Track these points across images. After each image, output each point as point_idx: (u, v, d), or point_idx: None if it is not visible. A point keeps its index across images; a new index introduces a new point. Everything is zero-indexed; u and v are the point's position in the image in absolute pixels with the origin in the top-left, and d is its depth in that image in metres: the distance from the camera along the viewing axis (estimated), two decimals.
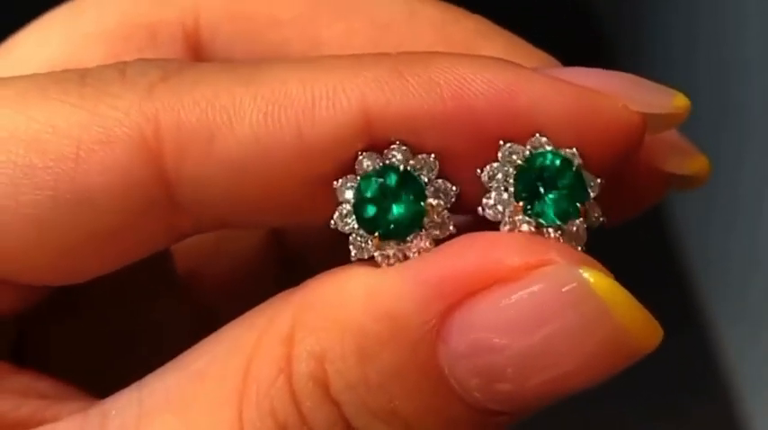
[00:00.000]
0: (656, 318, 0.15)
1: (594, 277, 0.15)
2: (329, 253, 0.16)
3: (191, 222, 0.17)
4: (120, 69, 0.16)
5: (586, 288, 0.15)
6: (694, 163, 0.20)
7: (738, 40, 0.82)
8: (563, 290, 0.15)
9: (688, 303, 0.91)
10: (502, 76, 0.16)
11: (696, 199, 0.91)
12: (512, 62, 0.17)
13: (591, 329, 0.15)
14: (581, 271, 0.15)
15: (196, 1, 0.20)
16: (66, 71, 0.17)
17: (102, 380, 0.17)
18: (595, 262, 0.15)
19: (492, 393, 0.15)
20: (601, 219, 0.16)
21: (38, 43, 0.20)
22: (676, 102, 0.17)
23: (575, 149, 0.16)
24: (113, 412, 0.16)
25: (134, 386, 0.16)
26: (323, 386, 0.15)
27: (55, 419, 0.16)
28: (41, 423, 0.16)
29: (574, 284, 0.15)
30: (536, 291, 0.15)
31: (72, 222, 0.16)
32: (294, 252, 0.22)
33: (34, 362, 0.18)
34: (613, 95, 0.16)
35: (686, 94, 0.18)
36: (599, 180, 0.16)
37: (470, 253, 0.15)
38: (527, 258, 0.15)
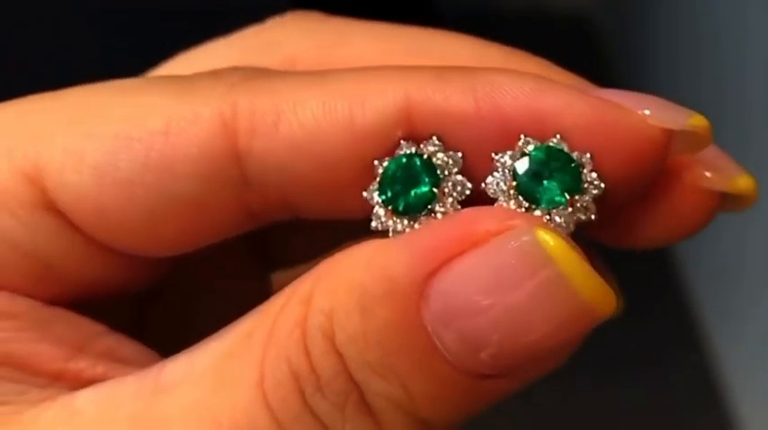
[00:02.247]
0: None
1: (552, 240, 0.16)
2: None
3: (258, 200, 0.19)
4: (215, 72, 0.19)
5: (542, 250, 0.16)
6: (740, 182, 0.20)
7: (714, 42, 0.83)
8: (518, 250, 0.16)
9: (679, 301, 0.92)
10: (530, 83, 0.18)
11: None
12: (542, 76, 0.18)
13: (546, 290, 0.16)
14: (540, 233, 0.16)
15: (294, 51, 0.22)
16: (170, 75, 0.20)
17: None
18: (556, 232, 0.16)
19: (470, 355, 0.16)
20: (592, 217, 0.17)
21: None
22: (693, 121, 0.18)
23: (588, 155, 0.17)
24: (167, 368, 0.18)
25: (188, 349, 0.19)
26: (330, 339, 0.17)
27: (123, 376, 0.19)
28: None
29: (527, 244, 0.16)
30: (497, 253, 0.16)
31: (158, 187, 0.18)
32: None
33: (153, 337, 0.21)
34: (632, 110, 0.18)
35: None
36: (603, 185, 0.17)
37: (455, 221, 0.17)
38: (495, 224, 0.16)
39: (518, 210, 0.17)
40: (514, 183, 0.17)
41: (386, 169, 0.18)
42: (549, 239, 0.16)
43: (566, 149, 0.17)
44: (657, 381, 0.85)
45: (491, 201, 0.18)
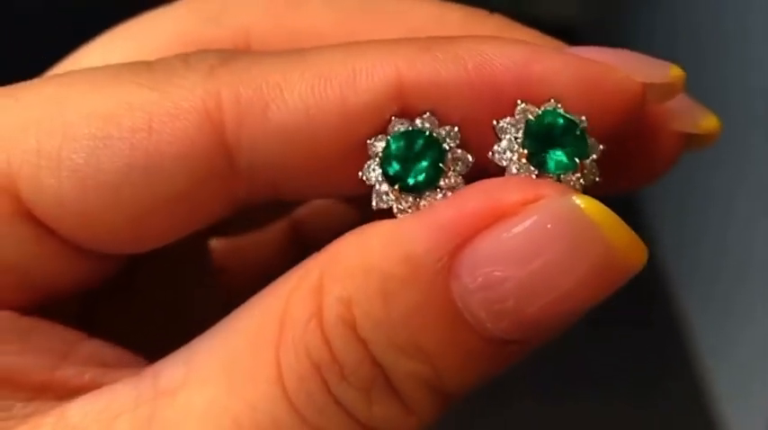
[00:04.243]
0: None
1: (585, 203, 0.16)
2: None
3: (246, 188, 0.18)
4: (183, 57, 0.18)
5: (578, 212, 0.16)
6: (705, 121, 0.21)
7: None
8: (557, 216, 0.16)
9: (669, 314, 0.92)
10: (520, 51, 0.18)
11: (670, 197, 0.93)
12: (530, 42, 0.18)
13: (585, 250, 0.16)
14: (573, 198, 0.16)
15: (246, 20, 0.21)
16: (134, 61, 0.19)
17: (157, 354, 0.19)
18: (587, 196, 0.17)
19: (501, 323, 0.16)
20: (597, 179, 0.18)
21: (101, 58, 0.21)
22: (672, 72, 0.19)
23: (583, 116, 0.18)
24: (164, 371, 0.18)
25: (183, 348, 0.18)
26: (351, 327, 0.17)
27: (114, 383, 0.18)
28: (102, 387, 0.18)
29: (567, 210, 0.16)
30: (532, 222, 0.16)
31: (145, 187, 0.18)
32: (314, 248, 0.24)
33: (101, 333, 0.20)
34: (617, 67, 0.18)
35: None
36: (601, 146, 0.18)
37: (475, 196, 0.17)
38: (523, 195, 0.16)
39: (531, 176, 0.17)
40: (524, 151, 0.17)
41: (388, 147, 0.18)
42: (582, 203, 0.16)
43: (564, 113, 0.18)
44: (648, 395, 0.85)
45: (493, 172, 0.18)
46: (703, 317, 0.88)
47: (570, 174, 0.17)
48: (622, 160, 0.20)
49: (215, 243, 0.25)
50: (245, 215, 0.23)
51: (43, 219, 0.18)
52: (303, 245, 0.25)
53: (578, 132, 0.18)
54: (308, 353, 0.17)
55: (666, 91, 0.19)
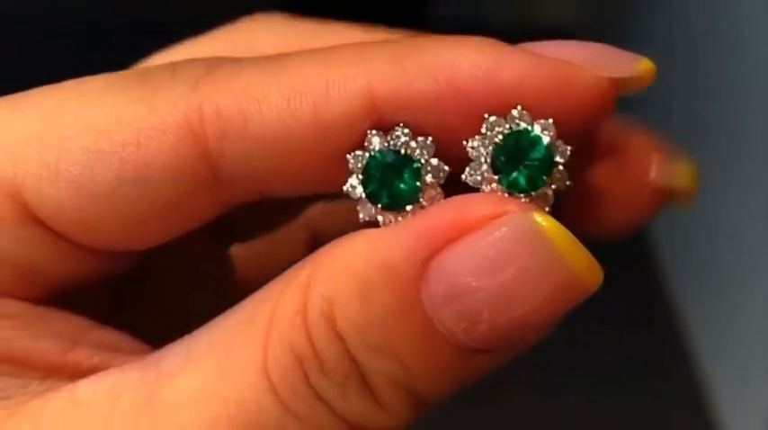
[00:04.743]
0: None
1: (546, 221, 0.17)
2: None
3: (230, 194, 0.20)
4: (172, 68, 0.20)
5: (538, 231, 0.17)
6: (681, 173, 0.21)
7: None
8: (518, 231, 0.17)
9: (666, 312, 0.92)
10: (487, 57, 0.18)
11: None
12: (495, 42, 0.19)
13: (546, 269, 0.17)
14: (534, 216, 0.17)
15: (265, 52, 0.21)
16: (128, 71, 0.20)
17: (163, 343, 0.20)
18: (548, 215, 0.17)
19: (469, 332, 0.17)
20: (567, 183, 0.19)
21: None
22: (641, 66, 0.19)
23: (551, 120, 0.18)
24: (167, 357, 0.19)
25: (186, 337, 0.19)
26: (332, 324, 0.18)
27: (121, 366, 0.19)
28: (109, 369, 0.19)
29: (527, 225, 0.17)
30: (496, 236, 0.17)
31: (135, 197, 0.19)
32: None
33: (115, 323, 0.21)
34: (584, 65, 0.19)
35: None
36: (569, 148, 0.18)
37: (448, 209, 0.18)
38: (491, 209, 0.17)
39: (503, 194, 0.18)
40: (495, 177, 0.18)
41: (366, 166, 0.19)
42: (542, 221, 0.17)
43: (528, 125, 0.18)
44: (645, 391, 0.85)
45: (467, 183, 0.19)
46: (701, 317, 0.88)
47: (540, 189, 0.18)
48: (607, 204, 0.20)
49: (235, 249, 0.26)
50: (264, 222, 0.25)
51: (48, 223, 0.19)
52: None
53: (545, 145, 0.18)
54: (292, 347, 0.18)
55: (634, 84, 0.19)
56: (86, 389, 0.19)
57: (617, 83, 0.19)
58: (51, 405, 0.19)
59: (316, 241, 0.26)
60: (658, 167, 0.20)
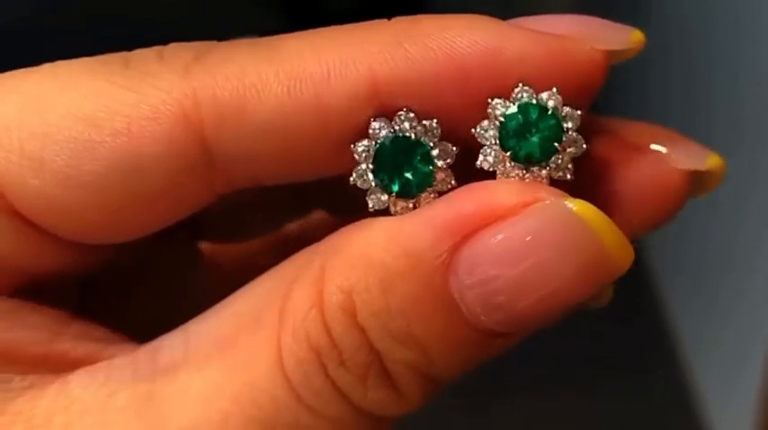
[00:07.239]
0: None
1: (578, 206, 0.17)
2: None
3: (223, 182, 0.19)
4: (158, 52, 0.19)
5: (572, 214, 0.17)
6: (710, 160, 0.21)
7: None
8: (552, 218, 0.17)
9: (654, 312, 0.93)
10: (487, 36, 0.18)
11: None
12: (492, 19, 0.19)
13: (578, 251, 0.17)
14: (566, 202, 0.17)
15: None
16: (108, 55, 0.19)
17: (148, 335, 0.19)
18: (577, 199, 0.17)
19: (495, 316, 0.17)
20: (584, 146, 0.19)
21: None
22: (634, 37, 0.20)
23: (554, 89, 0.18)
24: (163, 350, 0.18)
25: (180, 328, 0.19)
26: (351, 315, 0.17)
27: (110, 358, 0.19)
28: (98, 361, 0.19)
29: (561, 212, 0.17)
30: (531, 224, 0.17)
31: (124, 187, 0.18)
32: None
33: (95, 315, 0.21)
34: (581, 38, 0.19)
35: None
36: (578, 112, 0.18)
37: (474, 197, 0.18)
38: (522, 198, 0.17)
39: (521, 173, 0.18)
40: (507, 154, 0.18)
41: (377, 154, 0.18)
42: (573, 205, 0.17)
43: (531, 99, 0.18)
44: (633, 392, 0.85)
45: (478, 149, 0.19)
46: (688, 316, 0.88)
47: (556, 156, 0.18)
48: (630, 205, 0.20)
49: (206, 245, 0.25)
50: (240, 217, 0.25)
51: (26, 214, 0.18)
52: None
53: (549, 114, 0.18)
54: (308, 338, 0.18)
55: (626, 56, 0.20)
56: (77, 384, 0.18)
57: (613, 54, 0.19)
58: (42, 402, 0.18)
59: (285, 236, 0.25)
60: (686, 155, 0.20)
